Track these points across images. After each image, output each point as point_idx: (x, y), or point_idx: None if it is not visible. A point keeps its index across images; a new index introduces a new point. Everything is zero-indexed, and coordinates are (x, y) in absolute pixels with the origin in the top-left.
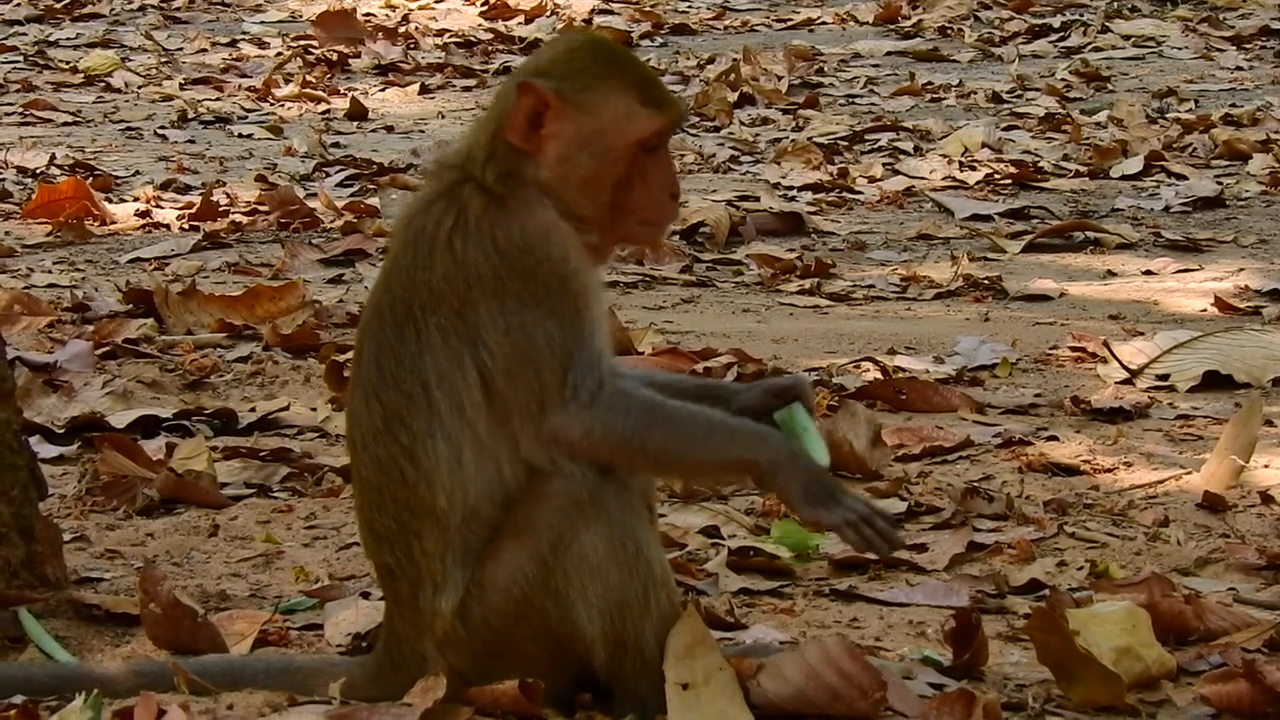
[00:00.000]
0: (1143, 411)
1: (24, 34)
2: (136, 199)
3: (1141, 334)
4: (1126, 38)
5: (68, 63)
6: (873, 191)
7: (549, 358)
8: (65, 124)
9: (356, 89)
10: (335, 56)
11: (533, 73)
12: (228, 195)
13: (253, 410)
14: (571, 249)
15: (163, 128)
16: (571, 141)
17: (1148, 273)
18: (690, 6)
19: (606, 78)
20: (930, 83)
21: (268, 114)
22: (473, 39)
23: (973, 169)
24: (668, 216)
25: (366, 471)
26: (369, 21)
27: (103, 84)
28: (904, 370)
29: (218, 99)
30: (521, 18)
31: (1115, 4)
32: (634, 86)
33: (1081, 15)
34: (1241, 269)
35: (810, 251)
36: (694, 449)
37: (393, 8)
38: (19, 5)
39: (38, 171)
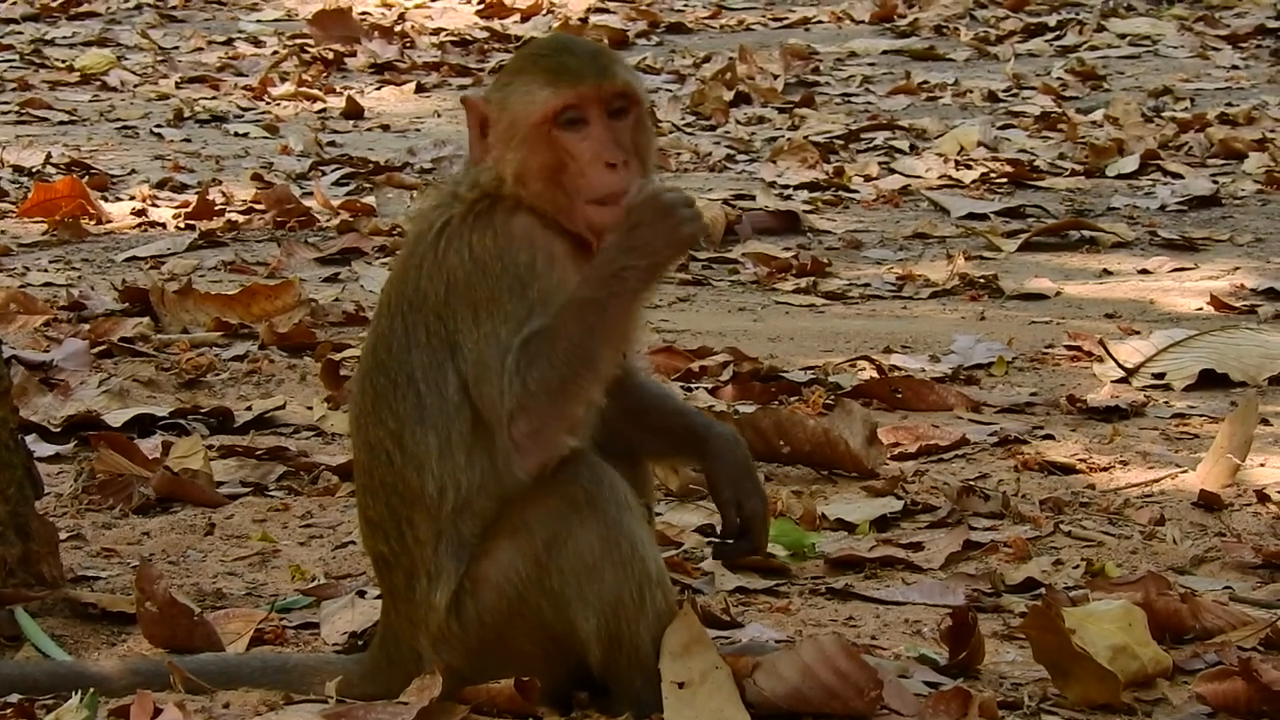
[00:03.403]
0: (1139, 410)
1: (20, 32)
2: (132, 198)
3: (1137, 333)
4: (1122, 36)
5: (64, 61)
6: (869, 190)
7: (498, 362)
8: (61, 123)
9: (352, 88)
10: (331, 55)
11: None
12: (224, 194)
13: (249, 409)
14: (541, 253)
15: (159, 126)
16: (499, 140)
17: (1144, 271)
18: (686, 5)
19: (522, 72)
20: (926, 81)
21: (264, 113)
22: (469, 38)
23: (968, 168)
24: (609, 187)
25: (360, 454)
26: (365, 20)
27: (99, 83)
28: (900, 369)
29: (214, 98)
30: (517, 16)
31: (1111, 3)
32: (541, 72)
33: (1077, 14)
34: (1237, 268)
35: (806, 250)
36: (587, 343)
37: (389, 6)
38: (15, 4)
39: (34, 170)
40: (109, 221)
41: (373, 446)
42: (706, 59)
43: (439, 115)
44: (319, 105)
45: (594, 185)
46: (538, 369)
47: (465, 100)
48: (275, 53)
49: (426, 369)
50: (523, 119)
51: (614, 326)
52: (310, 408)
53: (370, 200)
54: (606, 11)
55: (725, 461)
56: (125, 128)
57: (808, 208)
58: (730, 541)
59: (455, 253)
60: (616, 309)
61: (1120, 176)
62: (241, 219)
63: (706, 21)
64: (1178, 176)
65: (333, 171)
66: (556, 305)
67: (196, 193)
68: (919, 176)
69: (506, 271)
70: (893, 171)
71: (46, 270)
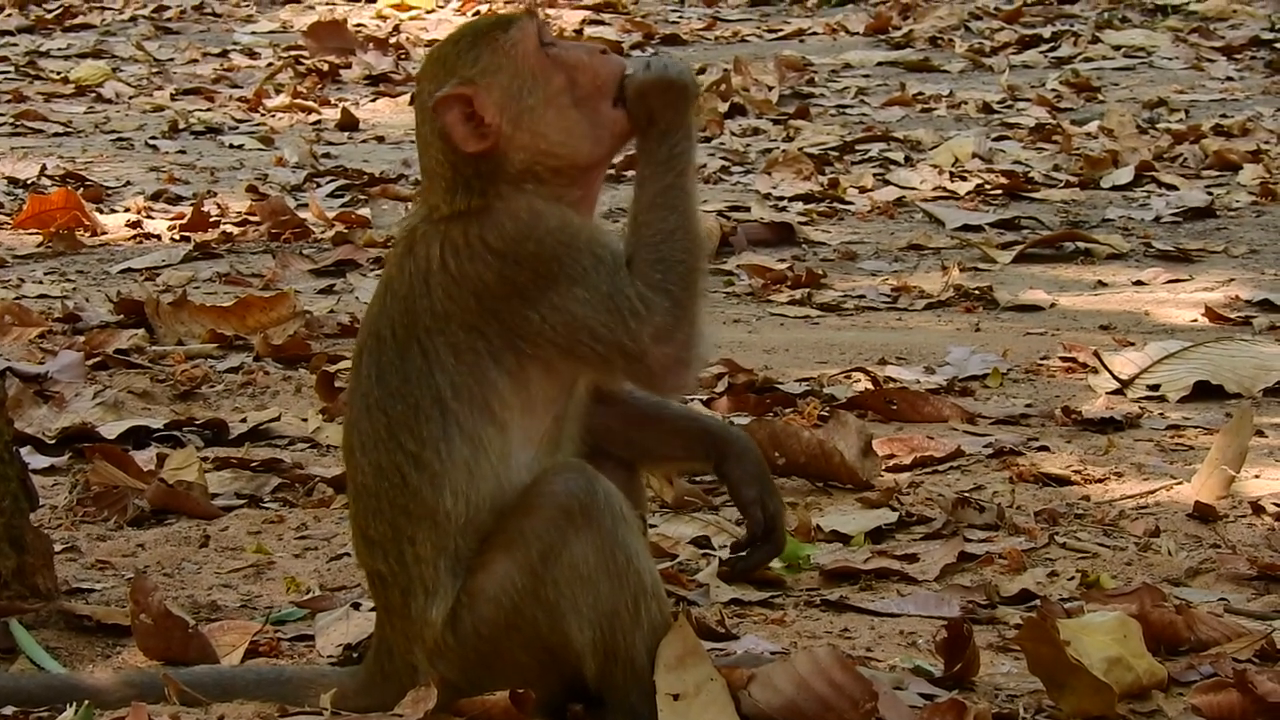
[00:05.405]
0: (1133, 422)
1: (15, 44)
2: (127, 209)
3: (1132, 344)
4: (1117, 48)
5: (59, 73)
6: (863, 202)
7: (595, 315)
8: (56, 134)
9: (347, 99)
10: (326, 67)
11: (430, 96)
12: (219, 206)
13: (244, 421)
14: (565, 211)
15: (154, 138)
16: (509, 100)
17: (1138, 283)
18: (681, 17)
19: (474, 46)
20: (921, 93)
21: (259, 124)
22: None
23: (963, 179)
24: (620, 66)
25: (364, 478)
26: (360, 32)
27: (94, 94)
28: (895, 380)
29: (209, 109)
30: None
31: (1106, 14)
32: (491, 28)
33: (1072, 25)
34: (1232, 279)
35: (801, 262)
36: (687, 223)
37: (383, 18)
38: (10, 15)
39: (29, 182)
40: (104, 233)
41: (382, 469)
42: (701, 71)
43: None
44: (314, 117)
45: (609, 72)
46: (662, 274)
47: (443, 99)
48: (270, 64)
49: (458, 386)
50: (520, 57)
51: (694, 199)
52: (305, 420)
53: (365, 212)
54: (601, 23)
55: (747, 463)
56: (120, 139)
57: (802, 219)
58: (744, 553)
59: (473, 261)
60: (688, 181)
61: (1115, 188)
62: (236, 231)
63: (701, 33)
64: (1172, 188)
65: (328, 183)
66: (608, 244)
67: (191, 204)
68: (914, 188)
69: (543, 244)
70: (887, 183)
71: (41, 282)
